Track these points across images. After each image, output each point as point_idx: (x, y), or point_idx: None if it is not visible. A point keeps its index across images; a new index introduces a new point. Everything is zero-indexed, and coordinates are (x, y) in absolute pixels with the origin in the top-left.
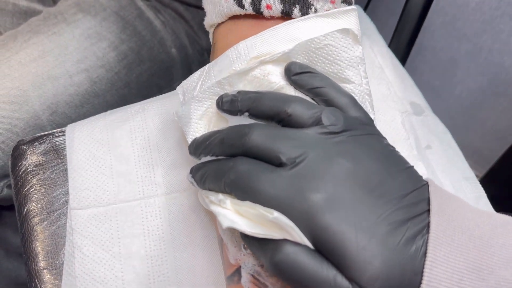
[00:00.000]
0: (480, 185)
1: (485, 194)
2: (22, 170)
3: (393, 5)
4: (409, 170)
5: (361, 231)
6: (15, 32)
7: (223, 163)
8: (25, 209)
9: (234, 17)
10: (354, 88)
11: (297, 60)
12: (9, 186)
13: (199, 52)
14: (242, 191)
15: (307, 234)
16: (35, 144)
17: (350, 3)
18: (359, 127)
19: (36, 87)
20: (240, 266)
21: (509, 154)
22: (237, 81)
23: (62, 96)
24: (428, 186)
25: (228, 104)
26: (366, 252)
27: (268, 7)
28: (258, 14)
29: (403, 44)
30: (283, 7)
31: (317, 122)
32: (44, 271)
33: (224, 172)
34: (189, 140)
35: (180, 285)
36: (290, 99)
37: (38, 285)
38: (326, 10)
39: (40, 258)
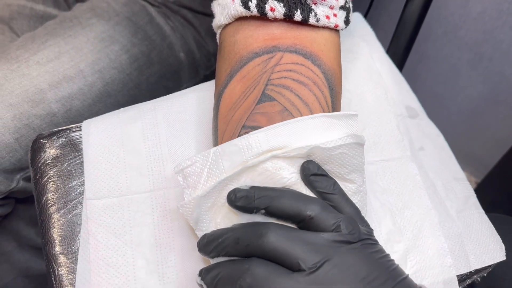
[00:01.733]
0: (470, 186)
1: (474, 195)
2: (41, 162)
3: (392, 13)
4: (405, 280)
5: None
6: (33, 34)
7: (238, 265)
8: (44, 199)
9: (240, 19)
10: (356, 189)
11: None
12: (25, 179)
13: (206, 57)
14: None
15: None
16: (53, 138)
17: (348, 10)
18: (368, 239)
19: (53, 86)
20: None
21: (506, 160)
22: (246, 173)
23: (77, 95)
24: None
25: (243, 201)
26: None
27: (272, 9)
28: (262, 16)
29: (400, 50)
30: (285, 10)
31: (336, 229)
32: (61, 255)
33: (239, 275)
34: (198, 234)
35: (186, 271)
36: (311, 201)
37: (55, 268)
38: (326, 15)
39: (56, 243)
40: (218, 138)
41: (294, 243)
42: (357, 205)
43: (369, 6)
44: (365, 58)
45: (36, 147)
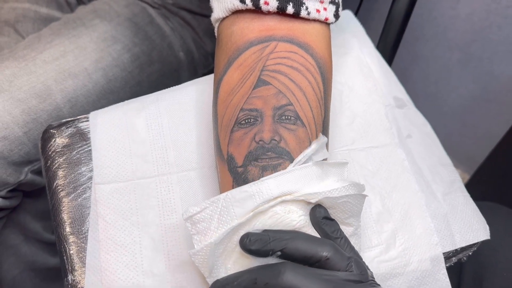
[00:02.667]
0: (455, 170)
1: (460, 179)
2: (51, 151)
3: (381, 10)
4: None
5: None
6: (38, 35)
7: None
8: (54, 184)
9: (237, 12)
10: (352, 231)
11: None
12: (33, 172)
13: (204, 56)
14: None
15: None
16: (62, 128)
17: (337, 5)
18: (373, 281)
19: (59, 83)
20: None
21: (495, 154)
22: (257, 217)
23: (81, 92)
24: None
25: (258, 244)
26: None
27: (266, 3)
28: (257, 9)
29: (389, 46)
30: (278, 3)
31: (349, 269)
32: (71, 236)
33: None
34: (210, 281)
35: (190, 248)
36: (325, 243)
37: (67, 247)
38: (316, 9)
39: (67, 224)
40: (218, 122)
41: (312, 280)
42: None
43: (359, 5)
44: (356, 52)
45: (46, 137)
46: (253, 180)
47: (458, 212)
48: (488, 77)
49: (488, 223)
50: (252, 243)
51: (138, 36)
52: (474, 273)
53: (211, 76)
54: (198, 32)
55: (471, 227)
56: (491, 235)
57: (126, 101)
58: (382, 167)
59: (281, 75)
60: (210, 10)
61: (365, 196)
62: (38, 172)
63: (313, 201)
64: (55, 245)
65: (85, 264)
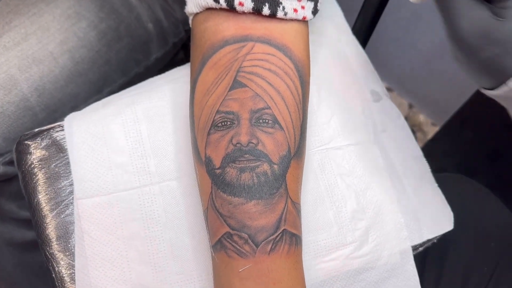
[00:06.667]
0: (426, 162)
1: (429, 170)
2: (28, 164)
3: None
4: None
5: None
6: None
7: None
8: (35, 201)
9: (211, 8)
10: None
11: None
12: (4, 164)
13: (174, 24)
14: None
15: None
16: (37, 139)
17: (315, 1)
18: None
19: (23, 71)
20: (221, 236)
21: (465, 110)
22: None
23: (48, 78)
24: None
25: None
26: None
27: (241, 4)
28: (231, 9)
29: (366, 25)
30: (253, 4)
31: None
32: (58, 253)
33: None
34: None
35: (176, 259)
36: None
37: (55, 265)
38: (294, 8)
39: (53, 242)
40: (194, 123)
41: None
42: None
43: None
44: (334, 42)
45: (20, 149)
46: (231, 182)
47: (426, 205)
48: None
49: (450, 196)
50: None
51: (104, 10)
52: (437, 252)
53: (184, 71)
54: None
55: (438, 219)
56: (453, 209)
57: (100, 103)
58: (358, 165)
59: (259, 78)
60: None
61: None
62: (10, 163)
63: None
64: (31, 221)
65: (74, 281)
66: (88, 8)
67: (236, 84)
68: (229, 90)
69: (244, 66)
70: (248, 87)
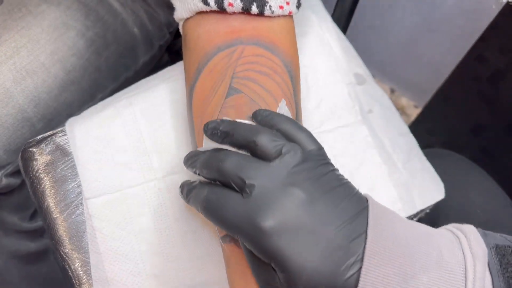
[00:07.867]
0: (413, 138)
1: (417, 145)
2: (34, 170)
3: None
4: (353, 196)
5: (303, 254)
6: None
7: (200, 189)
8: (45, 205)
9: (201, 12)
10: None
11: None
12: (6, 175)
13: (158, 28)
14: (214, 220)
15: (259, 254)
16: (41, 145)
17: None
18: (313, 159)
19: (18, 83)
20: None
21: (445, 88)
22: None
23: (42, 88)
24: (368, 205)
25: (210, 132)
26: (306, 263)
27: (230, 4)
28: (222, 11)
29: (345, 12)
30: (242, 4)
31: (279, 154)
32: (72, 252)
33: (200, 198)
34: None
35: (186, 248)
36: (260, 131)
37: (70, 264)
38: (279, 6)
39: (67, 242)
40: (195, 131)
41: (242, 168)
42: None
43: None
44: (316, 30)
45: (26, 157)
46: None
47: (417, 178)
48: (430, 8)
49: (437, 169)
50: (208, 130)
51: (90, 18)
52: (429, 222)
53: (175, 71)
54: (150, 3)
55: (429, 190)
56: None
57: (98, 105)
58: (349, 145)
59: (251, 82)
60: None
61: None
62: (12, 174)
63: None
64: (35, 232)
65: (91, 277)
66: (74, 17)
67: (231, 90)
68: (226, 97)
69: (238, 72)
70: (243, 92)
